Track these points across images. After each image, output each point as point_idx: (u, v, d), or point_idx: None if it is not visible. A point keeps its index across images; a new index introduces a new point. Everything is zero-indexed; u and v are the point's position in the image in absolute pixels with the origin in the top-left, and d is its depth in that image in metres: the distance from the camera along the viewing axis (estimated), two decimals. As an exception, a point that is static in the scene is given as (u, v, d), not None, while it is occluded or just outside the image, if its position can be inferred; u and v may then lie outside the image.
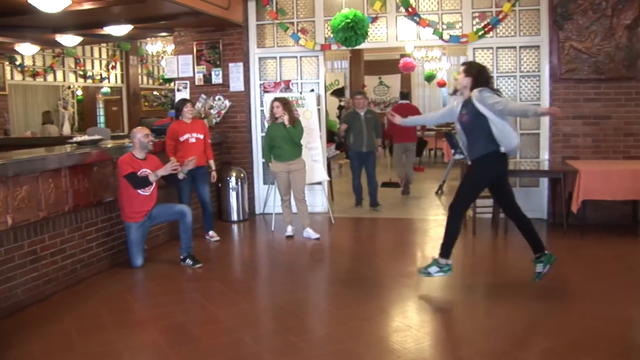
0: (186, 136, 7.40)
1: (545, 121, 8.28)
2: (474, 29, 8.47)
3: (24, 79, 14.17)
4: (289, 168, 7.55)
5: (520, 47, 8.39)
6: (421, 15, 8.57)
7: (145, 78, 18.44)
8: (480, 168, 5.44)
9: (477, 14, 8.50)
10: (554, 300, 5.29)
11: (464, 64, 5.72)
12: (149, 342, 4.59)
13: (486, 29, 8.40)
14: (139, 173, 6.29)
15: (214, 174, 7.88)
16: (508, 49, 8.46)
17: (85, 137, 7.08)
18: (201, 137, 7.53)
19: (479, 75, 5.41)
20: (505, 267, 6.57)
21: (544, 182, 8.45)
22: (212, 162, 7.80)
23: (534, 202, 8.45)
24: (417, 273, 5.73)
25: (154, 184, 6.44)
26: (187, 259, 6.56)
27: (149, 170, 6.38)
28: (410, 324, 4.78)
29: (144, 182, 6.32)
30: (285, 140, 7.45)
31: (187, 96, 9.16)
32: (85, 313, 5.18)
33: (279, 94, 8.53)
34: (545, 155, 8.36)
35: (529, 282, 5.65)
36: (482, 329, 4.66)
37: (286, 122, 7.40)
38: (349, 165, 10.21)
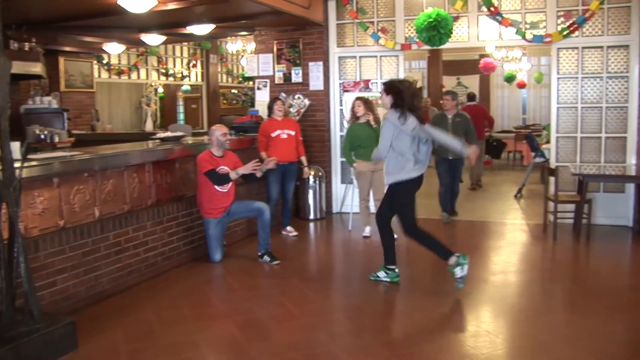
0: (277, 132, 7.66)
1: (633, 124, 7.96)
2: (559, 29, 8.21)
3: (110, 77, 14.67)
4: (374, 167, 7.52)
5: (608, 46, 8.08)
6: (503, 15, 8.39)
7: (224, 76, 18.77)
8: (397, 193, 5.62)
9: (562, 13, 8.23)
10: (639, 311, 5.10)
11: (384, 83, 5.82)
12: (226, 336, 4.68)
13: (571, 28, 8.13)
14: (217, 170, 6.42)
15: (306, 169, 8.13)
16: (594, 49, 8.15)
17: (168, 134, 7.28)
18: (292, 133, 7.80)
19: (398, 94, 5.56)
20: (587, 274, 6.36)
21: (630, 187, 8.09)
22: (304, 159, 8.03)
23: (619, 208, 8.16)
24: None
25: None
26: (265, 256, 6.65)
27: (227, 167, 6.50)
28: (486, 329, 4.70)
29: (224, 179, 6.44)
30: (371, 140, 7.38)
31: (267, 95, 9.30)
32: (165, 304, 5.33)
33: (358, 94, 8.54)
34: (632, 160, 8.01)
35: (612, 290, 5.46)
36: (560, 338, 4.53)
37: (372, 122, 7.41)
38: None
